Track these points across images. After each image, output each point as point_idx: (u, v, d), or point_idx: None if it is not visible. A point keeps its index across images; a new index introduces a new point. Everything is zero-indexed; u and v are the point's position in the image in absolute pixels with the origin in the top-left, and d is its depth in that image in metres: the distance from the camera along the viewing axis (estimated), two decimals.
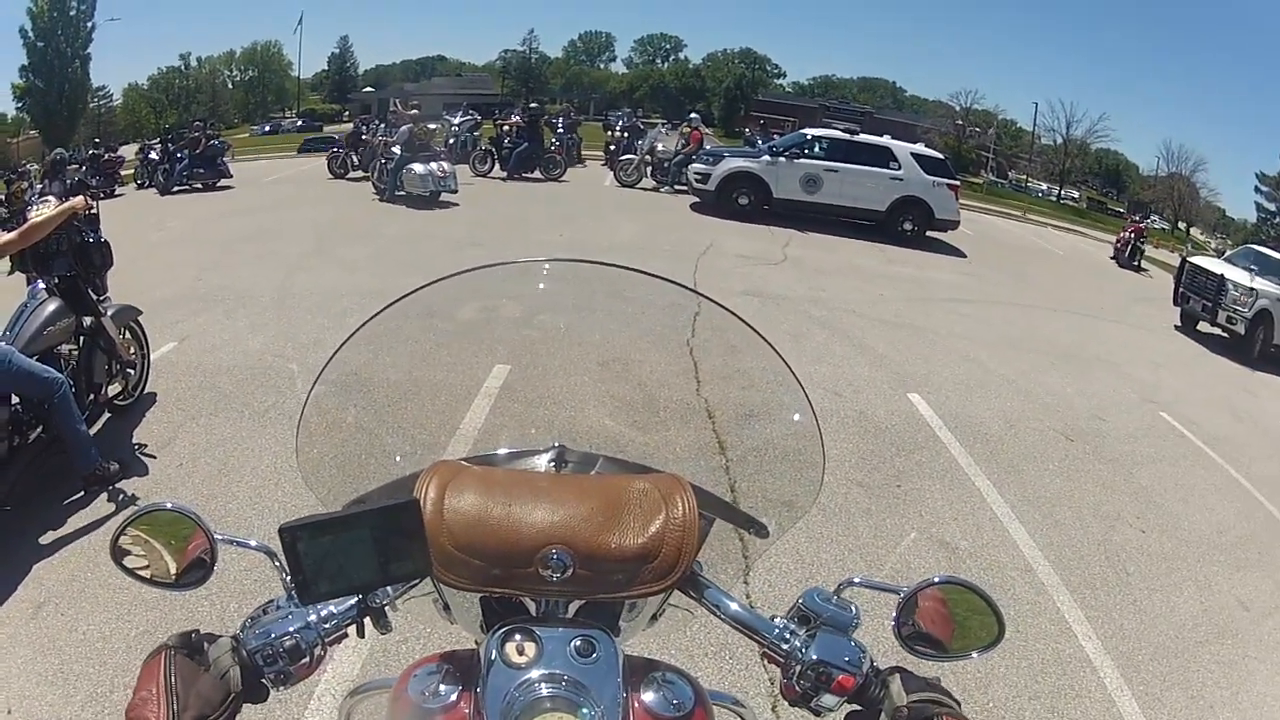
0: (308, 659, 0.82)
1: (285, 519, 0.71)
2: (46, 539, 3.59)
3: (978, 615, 0.88)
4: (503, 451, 1.07)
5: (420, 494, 0.80)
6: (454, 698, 0.80)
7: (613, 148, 16.08)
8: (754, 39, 38.24)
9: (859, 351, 7.05)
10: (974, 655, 0.89)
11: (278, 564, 0.83)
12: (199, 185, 14.60)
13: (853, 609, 0.88)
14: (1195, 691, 3.56)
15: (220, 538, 0.89)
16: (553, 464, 1.03)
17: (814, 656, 0.84)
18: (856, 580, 0.91)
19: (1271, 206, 30.28)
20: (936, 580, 0.89)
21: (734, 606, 0.88)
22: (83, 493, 3.85)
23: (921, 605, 0.88)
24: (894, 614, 0.88)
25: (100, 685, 2.84)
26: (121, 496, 3.88)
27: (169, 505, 0.89)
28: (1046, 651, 3.54)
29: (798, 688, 0.85)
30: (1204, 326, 11.37)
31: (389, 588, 0.84)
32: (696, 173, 12.87)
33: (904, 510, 4.46)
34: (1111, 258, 17.59)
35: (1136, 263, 17.16)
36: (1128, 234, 17.59)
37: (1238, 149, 46.39)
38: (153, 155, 15.65)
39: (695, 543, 0.80)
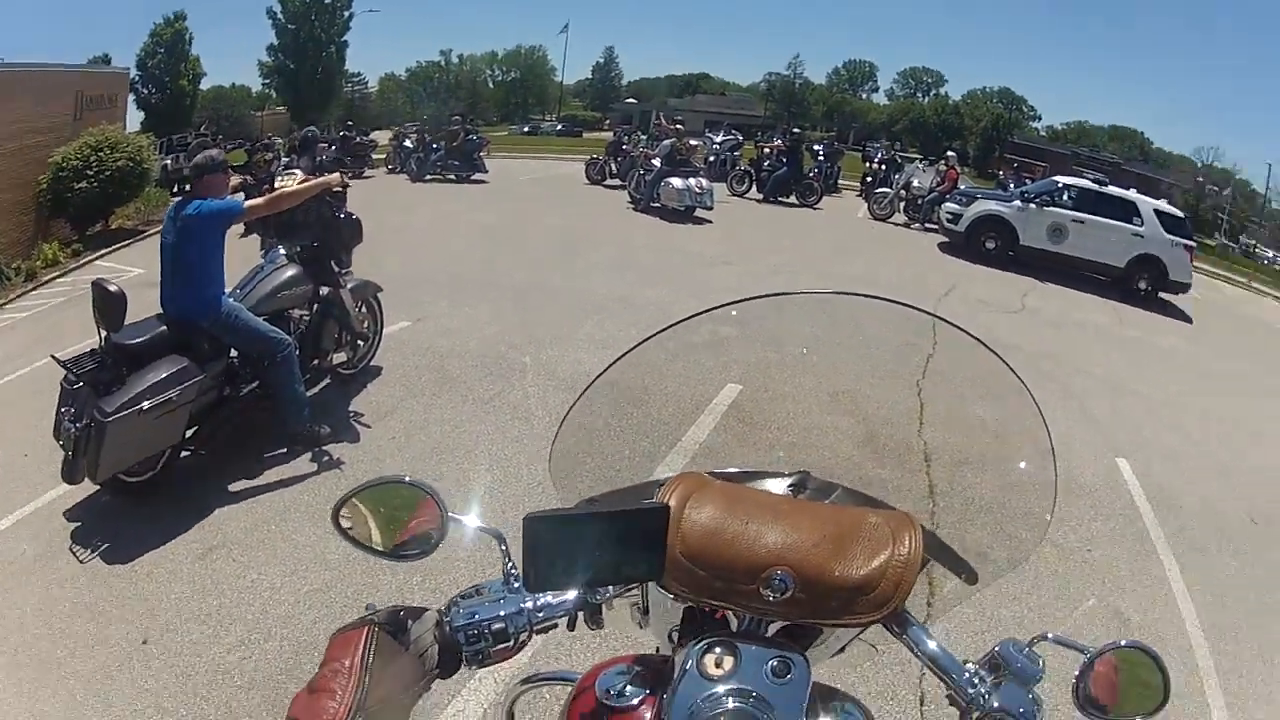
0: (510, 643, 0.85)
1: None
2: (237, 487, 3.82)
3: (1141, 683, 0.87)
4: (747, 469, 1.08)
5: (665, 501, 0.82)
6: (637, 701, 0.84)
7: (869, 179, 16.10)
8: (1012, 78, 37.29)
9: (1081, 414, 5.97)
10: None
11: (504, 549, 0.89)
12: (451, 177, 15.43)
13: (1040, 663, 0.86)
14: None
15: (452, 517, 0.92)
16: (792, 488, 1.04)
17: (995, 704, 0.83)
18: (1050, 636, 0.90)
19: None
20: (1123, 644, 0.87)
21: (931, 645, 0.86)
22: (286, 450, 4.06)
23: (1096, 669, 0.87)
24: (1076, 672, 0.86)
25: (255, 632, 2.90)
26: (326, 459, 4.03)
27: (406, 480, 0.94)
28: None
29: None
30: None
31: (611, 587, 0.87)
32: (949, 212, 12.71)
33: None
34: None
35: None
36: None
37: None
38: (407, 143, 16.51)
39: (913, 580, 0.80)
